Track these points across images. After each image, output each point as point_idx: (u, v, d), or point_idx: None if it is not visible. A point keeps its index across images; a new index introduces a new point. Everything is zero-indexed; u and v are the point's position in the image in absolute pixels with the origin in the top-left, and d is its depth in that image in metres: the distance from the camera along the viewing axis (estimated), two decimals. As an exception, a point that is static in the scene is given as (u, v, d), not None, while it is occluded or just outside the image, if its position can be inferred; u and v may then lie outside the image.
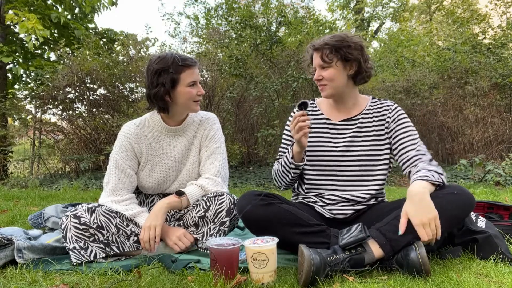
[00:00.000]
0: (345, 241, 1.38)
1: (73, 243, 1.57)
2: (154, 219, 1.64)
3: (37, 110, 6.30)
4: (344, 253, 1.37)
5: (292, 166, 1.66)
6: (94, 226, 1.60)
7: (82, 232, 1.58)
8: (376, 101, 1.78)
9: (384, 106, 1.74)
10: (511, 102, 6.04)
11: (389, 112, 1.72)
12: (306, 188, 1.77)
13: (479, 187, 4.21)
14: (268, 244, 1.33)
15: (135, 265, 1.52)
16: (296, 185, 1.85)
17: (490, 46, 6.25)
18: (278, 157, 1.83)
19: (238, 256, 1.37)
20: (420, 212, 1.34)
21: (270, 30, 5.83)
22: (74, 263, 1.55)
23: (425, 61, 6.83)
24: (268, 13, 6.15)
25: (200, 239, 1.74)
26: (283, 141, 1.84)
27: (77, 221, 1.58)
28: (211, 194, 1.76)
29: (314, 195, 1.73)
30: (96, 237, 1.60)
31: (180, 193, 1.73)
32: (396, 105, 1.75)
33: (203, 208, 1.72)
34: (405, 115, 1.72)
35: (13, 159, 6.66)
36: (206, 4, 9.28)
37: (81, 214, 1.60)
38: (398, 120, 1.70)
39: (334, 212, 1.67)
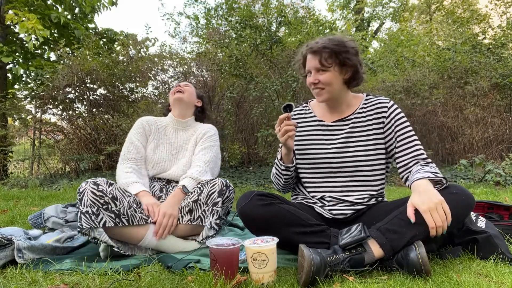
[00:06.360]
0: (345, 241, 1.38)
1: (86, 207, 1.59)
2: (173, 209, 1.77)
3: (37, 110, 6.30)
4: (344, 253, 1.37)
5: (282, 167, 1.69)
6: (110, 196, 1.65)
7: (98, 199, 1.61)
8: (370, 99, 1.74)
9: (380, 104, 1.70)
10: (511, 102, 6.04)
11: (385, 112, 1.68)
12: (306, 192, 1.76)
13: (479, 187, 4.21)
14: (268, 244, 1.33)
15: (135, 265, 1.52)
16: (294, 185, 1.85)
17: (490, 46, 6.25)
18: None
19: (238, 256, 1.37)
20: (425, 198, 1.35)
21: (270, 30, 5.82)
22: (84, 228, 1.56)
23: (425, 61, 6.82)
24: (268, 13, 6.14)
25: (202, 235, 1.78)
26: (280, 144, 1.84)
27: (95, 187, 1.63)
28: (204, 181, 1.88)
29: (316, 199, 1.72)
30: (110, 206, 1.63)
31: (186, 190, 1.86)
32: (391, 102, 1.70)
33: (197, 192, 1.82)
34: (402, 115, 1.68)
35: (13, 159, 6.67)
36: (206, 4, 9.29)
37: (100, 182, 1.67)
38: (396, 121, 1.66)
39: (334, 212, 1.67)
